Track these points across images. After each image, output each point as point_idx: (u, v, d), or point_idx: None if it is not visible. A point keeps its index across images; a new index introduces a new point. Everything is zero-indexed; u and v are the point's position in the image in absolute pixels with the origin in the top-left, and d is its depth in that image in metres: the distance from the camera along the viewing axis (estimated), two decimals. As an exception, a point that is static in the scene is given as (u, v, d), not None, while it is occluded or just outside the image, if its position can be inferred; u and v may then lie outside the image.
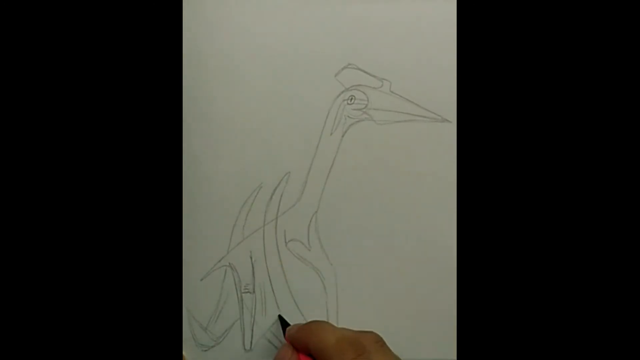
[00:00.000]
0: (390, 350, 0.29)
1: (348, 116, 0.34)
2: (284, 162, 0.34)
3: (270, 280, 0.34)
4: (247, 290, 0.34)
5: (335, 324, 0.32)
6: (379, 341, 0.29)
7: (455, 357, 0.32)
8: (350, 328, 0.30)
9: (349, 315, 0.34)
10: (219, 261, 0.34)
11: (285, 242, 0.34)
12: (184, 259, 0.34)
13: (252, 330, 0.34)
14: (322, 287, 0.34)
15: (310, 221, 0.34)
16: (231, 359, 0.34)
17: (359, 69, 0.34)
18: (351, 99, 0.34)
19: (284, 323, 0.33)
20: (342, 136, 0.34)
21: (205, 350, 0.34)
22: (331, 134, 0.34)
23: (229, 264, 0.34)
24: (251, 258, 0.34)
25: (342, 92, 0.34)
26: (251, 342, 0.34)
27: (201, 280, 0.34)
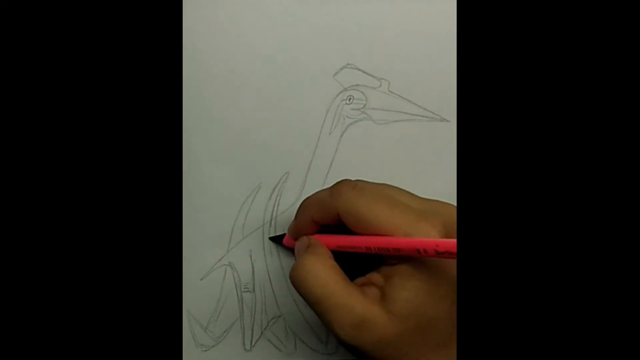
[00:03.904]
0: None
1: (347, 116, 0.34)
2: (283, 162, 0.34)
3: (270, 279, 0.34)
4: (247, 290, 0.34)
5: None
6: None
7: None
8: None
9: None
10: (219, 260, 0.34)
11: (285, 241, 0.34)
12: (184, 259, 0.34)
13: (252, 330, 0.34)
14: (322, 286, 0.34)
15: (310, 220, 0.34)
16: (231, 359, 0.34)
17: (358, 69, 0.34)
18: (350, 98, 0.34)
19: (278, 237, 0.33)
20: (341, 136, 0.34)
21: (205, 350, 0.34)
22: (330, 133, 0.34)
23: (229, 263, 0.34)
24: (251, 257, 0.34)
25: (341, 92, 0.34)
26: (251, 342, 0.34)
27: (201, 280, 0.34)
